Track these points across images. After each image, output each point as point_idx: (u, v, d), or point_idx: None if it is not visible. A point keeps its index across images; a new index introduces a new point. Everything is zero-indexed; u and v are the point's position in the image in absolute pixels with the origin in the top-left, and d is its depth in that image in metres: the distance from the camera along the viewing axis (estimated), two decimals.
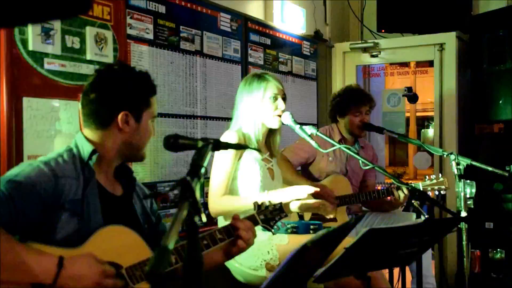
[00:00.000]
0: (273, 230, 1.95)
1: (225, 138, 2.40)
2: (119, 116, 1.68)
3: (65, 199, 1.56)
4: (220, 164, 2.38)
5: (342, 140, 3.36)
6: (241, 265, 2.40)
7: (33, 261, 1.40)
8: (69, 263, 1.43)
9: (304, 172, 3.44)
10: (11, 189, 1.47)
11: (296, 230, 2.48)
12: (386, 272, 2.63)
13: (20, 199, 1.48)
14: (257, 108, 2.44)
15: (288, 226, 2.46)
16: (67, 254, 1.51)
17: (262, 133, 2.50)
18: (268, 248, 2.36)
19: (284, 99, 2.52)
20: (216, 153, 2.37)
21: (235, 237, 1.78)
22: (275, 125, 2.49)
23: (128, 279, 1.54)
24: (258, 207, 1.91)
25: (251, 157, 2.44)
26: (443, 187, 3.14)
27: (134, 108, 1.71)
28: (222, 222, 2.48)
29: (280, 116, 2.48)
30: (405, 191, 3.03)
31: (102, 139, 1.69)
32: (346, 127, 3.34)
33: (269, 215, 1.92)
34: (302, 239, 1.61)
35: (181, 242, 1.64)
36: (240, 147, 2.09)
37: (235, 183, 2.43)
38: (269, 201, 1.95)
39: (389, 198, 3.15)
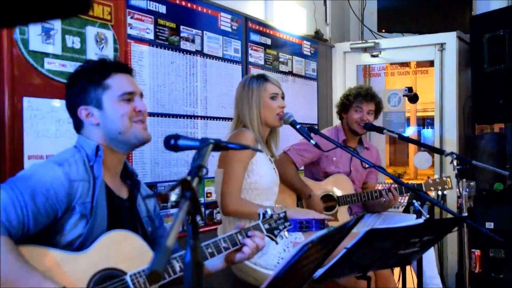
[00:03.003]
0: (277, 239, 1.94)
1: (241, 136, 2.39)
2: (78, 114, 1.69)
3: (76, 202, 1.56)
4: (236, 163, 2.37)
5: (346, 140, 3.36)
6: (256, 265, 2.39)
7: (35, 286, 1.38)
8: None
9: (308, 171, 3.44)
10: (24, 193, 1.46)
11: (308, 226, 2.47)
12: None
13: (35, 207, 1.47)
14: (259, 109, 2.45)
15: (302, 223, 2.46)
16: (72, 259, 1.51)
17: (265, 134, 2.51)
18: (284, 247, 2.36)
19: (283, 97, 2.52)
20: (230, 152, 2.35)
21: (240, 245, 1.78)
22: (277, 123, 2.49)
23: (132, 286, 1.54)
24: (263, 216, 1.91)
25: (262, 157, 2.45)
26: (446, 186, 3.14)
27: (90, 99, 1.68)
28: (225, 223, 2.48)
29: (281, 114, 2.48)
30: (395, 193, 3.04)
31: (92, 140, 1.69)
32: (348, 123, 3.35)
33: (274, 224, 1.92)
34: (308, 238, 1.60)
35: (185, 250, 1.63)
36: (242, 147, 2.08)
37: (248, 182, 2.42)
38: (273, 210, 1.95)
39: (383, 199, 3.14)
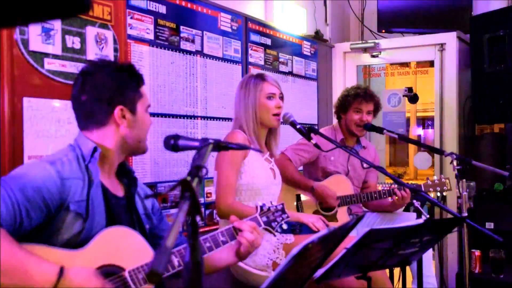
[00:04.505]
0: (274, 232, 1.94)
1: (232, 137, 2.40)
2: (115, 112, 1.67)
3: (70, 201, 1.55)
4: (228, 164, 2.38)
5: (344, 140, 3.36)
6: (247, 265, 2.39)
7: (33, 268, 1.38)
8: (70, 274, 1.42)
9: (306, 171, 3.44)
10: (17, 192, 1.46)
11: (301, 229, 2.49)
12: (386, 271, 2.63)
13: (26, 202, 1.46)
14: (255, 108, 2.45)
15: (294, 225, 2.48)
16: (70, 256, 1.51)
17: (262, 133, 2.51)
18: (274, 247, 2.36)
19: (281, 98, 2.52)
20: (222, 153, 2.37)
21: (238, 239, 1.78)
22: (274, 124, 2.49)
23: (131, 282, 1.54)
24: (260, 208, 1.90)
25: (256, 157, 2.45)
26: (445, 188, 3.14)
27: (128, 101, 1.70)
28: (223, 223, 2.48)
29: (278, 115, 2.48)
30: (408, 190, 3.03)
31: (102, 138, 1.68)
32: (347, 124, 3.35)
33: (271, 217, 1.92)
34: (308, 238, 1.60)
35: (183, 245, 1.63)
36: (241, 147, 2.08)
37: (240, 183, 2.42)
38: (271, 202, 1.95)
39: (390, 198, 3.14)
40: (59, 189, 1.53)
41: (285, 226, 1.98)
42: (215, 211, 3.05)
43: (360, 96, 3.29)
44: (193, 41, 3.02)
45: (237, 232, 1.78)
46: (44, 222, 1.52)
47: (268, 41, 3.75)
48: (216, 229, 2.62)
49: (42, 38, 2.16)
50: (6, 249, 1.37)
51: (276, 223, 1.92)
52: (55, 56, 2.21)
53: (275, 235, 2.01)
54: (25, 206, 1.46)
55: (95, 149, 1.64)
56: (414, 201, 2.28)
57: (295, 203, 3.13)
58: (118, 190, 1.77)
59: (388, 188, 3.12)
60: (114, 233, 1.60)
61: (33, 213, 1.48)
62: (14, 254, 1.38)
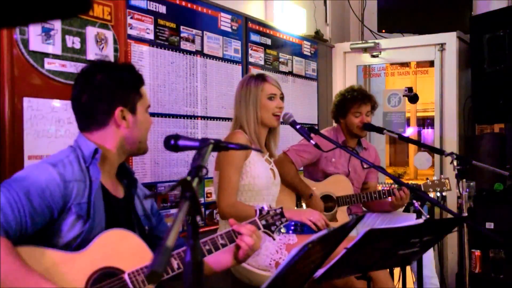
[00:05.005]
0: (274, 235, 1.94)
1: (233, 137, 2.39)
2: (116, 113, 1.67)
3: (72, 203, 1.55)
4: (229, 164, 2.37)
5: (345, 142, 3.36)
6: (249, 265, 2.39)
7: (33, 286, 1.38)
8: None
9: (306, 172, 3.44)
10: (22, 196, 1.46)
11: (302, 229, 2.49)
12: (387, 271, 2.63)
13: (31, 208, 1.46)
14: (256, 109, 2.44)
15: (295, 224, 2.48)
16: (70, 258, 1.51)
17: (262, 133, 2.51)
18: (276, 248, 2.36)
19: (282, 98, 2.52)
20: (224, 153, 2.36)
21: (237, 242, 1.78)
22: (274, 124, 2.49)
23: (131, 285, 1.53)
24: (260, 212, 1.90)
25: (257, 158, 2.45)
26: (445, 188, 3.14)
27: (128, 102, 1.70)
28: (223, 223, 2.48)
29: (279, 115, 2.48)
30: (407, 190, 3.02)
31: (102, 139, 1.68)
32: (347, 127, 3.34)
33: (270, 220, 1.92)
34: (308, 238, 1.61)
35: (183, 248, 1.63)
36: (242, 147, 2.08)
37: (242, 183, 2.42)
38: (270, 206, 1.95)
39: (390, 198, 3.14)
40: (62, 192, 1.53)
41: (283, 230, 1.98)
42: (215, 211, 3.05)
43: (358, 99, 3.27)
44: (193, 41, 3.02)
45: (236, 235, 1.78)
46: (47, 225, 1.52)
47: (268, 41, 3.75)
48: (216, 229, 2.64)
49: (42, 38, 2.16)
50: (9, 266, 1.36)
51: (275, 226, 1.92)
52: (55, 56, 2.21)
53: (274, 239, 2.00)
54: (30, 212, 1.46)
55: (96, 151, 1.63)
56: (414, 201, 2.27)
57: (295, 203, 3.13)
58: (118, 191, 1.76)
59: (388, 188, 3.12)
60: (113, 235, 1.60)
61: (37, 218, 1.48)
62: (16, 271, 1.38)
